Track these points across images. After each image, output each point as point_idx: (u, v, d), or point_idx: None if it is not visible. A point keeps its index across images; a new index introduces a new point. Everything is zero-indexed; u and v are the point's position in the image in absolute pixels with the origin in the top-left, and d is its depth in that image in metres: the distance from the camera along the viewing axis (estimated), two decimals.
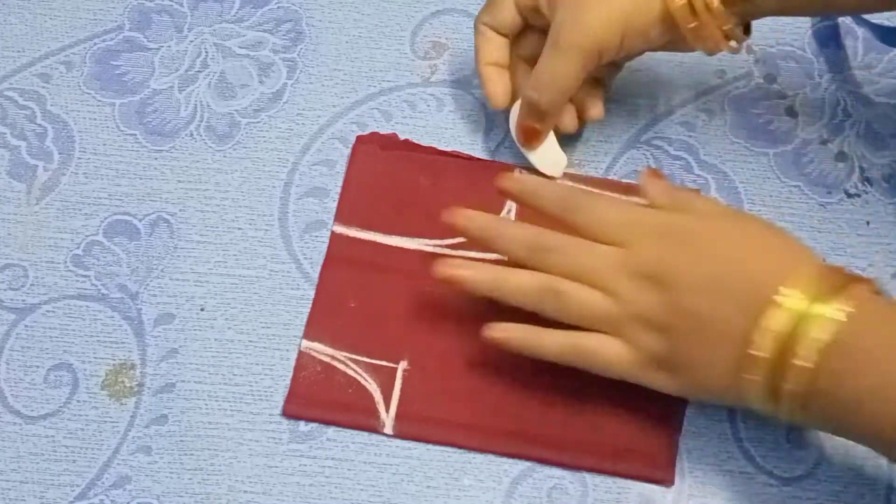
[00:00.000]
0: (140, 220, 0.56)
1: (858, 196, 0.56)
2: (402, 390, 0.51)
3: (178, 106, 0.59)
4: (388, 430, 0.50)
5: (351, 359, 0.52)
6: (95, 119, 0.58)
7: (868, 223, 0.55)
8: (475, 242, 0.50)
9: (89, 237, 0.55)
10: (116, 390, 0.52)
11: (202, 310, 0.54)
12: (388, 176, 0.56)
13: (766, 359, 0.42)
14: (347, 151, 0.57)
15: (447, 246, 0.54)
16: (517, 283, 0.48)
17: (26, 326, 0.53)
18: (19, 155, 0.57)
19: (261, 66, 0.60)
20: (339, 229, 0.55)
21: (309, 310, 0.53)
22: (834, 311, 0.41)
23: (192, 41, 0.60)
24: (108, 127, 0.58)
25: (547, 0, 0.52)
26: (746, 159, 0.57)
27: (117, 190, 0.56)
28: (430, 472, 0.50)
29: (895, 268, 0.54)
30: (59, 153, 0.57)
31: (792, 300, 0.42)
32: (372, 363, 0.52)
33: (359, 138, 0.57)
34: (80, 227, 0.55)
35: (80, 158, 0.57)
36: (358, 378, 0.51)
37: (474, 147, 0.57)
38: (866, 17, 0.58)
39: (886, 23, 0.57)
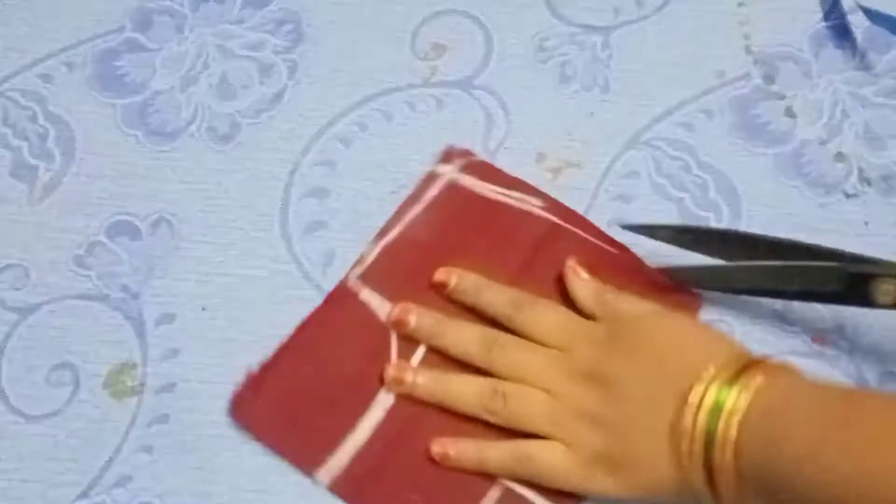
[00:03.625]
0: (141, 221, 0.56)
1: (857, 196, 0.56)
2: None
3: (179, 106, 0.59)
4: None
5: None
6: (97, 119, 0.58)
7: (867, 224, 0.55)
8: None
9: (91, 237, 0.55)
10: (118, 390, 0.52)
11: (203, 309, 0.54)
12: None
13: (696, 434, 0.44)
14: (348, 152, 0.57)
15: None
16: (460, 388, 0.50)
17: (28, 326, 0.53)
18: (21, 155, 0.58)
19: (261, 66, 0.60)
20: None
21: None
22: (746, 384, 0.44)
23: (193, 42, 0.60)
24: (109, 127, 0.58)
25: None
26: (745, 160, 0.57)
27: (119, 190, 0.57)
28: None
29: None
30: (61, 154, 0.58)
31: (712, 379, 0.44)
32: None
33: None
34: (81, 228, 0.56)
35: (81, 159, 0.57)
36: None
37: (474, 147, 0.57)
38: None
39: None
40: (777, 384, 0.44)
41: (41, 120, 0.58)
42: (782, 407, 0.43)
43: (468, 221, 0.55)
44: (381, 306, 0.53)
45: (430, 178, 0.56)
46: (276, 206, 0.56)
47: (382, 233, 0.55)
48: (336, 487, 0.49)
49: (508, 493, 0.49)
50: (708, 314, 0.53)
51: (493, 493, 0.49)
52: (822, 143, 0.57)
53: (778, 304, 0.53)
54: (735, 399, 0.43)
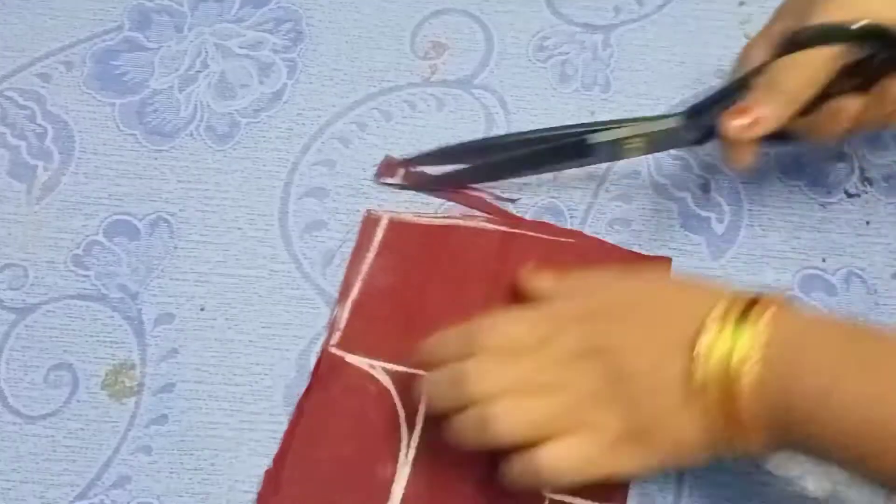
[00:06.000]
0: (140, 220, 0.56)
1: (858, 196, 0.56)
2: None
3: (178, 106, 0.59)
4: None
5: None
6: (95, 119, 0.58)
7: (868, 223, 0.55)
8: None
9: (89, 237, 0.55)
10: (116, 390, 0.52)
11: (202, 310, 0.54)
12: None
13: (711, 380, 0.42)
14: (347, 151, 0.57)
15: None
16: (453, 433, 0.46)
17: (26, 326, 0.53)
18: (19, 155, 0.57)
19: (261, 66, 0.60)
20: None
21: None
22: (756, 323, 0.42)
23: (192, 41, 0.60)
24: (108, 127, 0.58)
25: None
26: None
27: (117, 190, 0.56)
28: None
29: (895, 268, 0.54)
30: (59, 153, 0.57)
31: (721, 322, 0.43)
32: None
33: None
34: (80, 227, 0.55)
35: (80, 158, 0.57)
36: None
37: None
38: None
39: None
40: (787, 320, 0.42)
41: (39, 119, 0.58)
42: (799, 339, 0.42)
43: (424, 255, 0.54)
44: (370, 367, 0.52)
45: (370, 221, 0.55)
46: (276, 205, 0.56)
47: (344, 292, 0.53)
48: None
49: None
50: None
51: None
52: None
53: None
54: (749, 340, 0.42)
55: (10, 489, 0.50)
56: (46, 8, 0.61)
